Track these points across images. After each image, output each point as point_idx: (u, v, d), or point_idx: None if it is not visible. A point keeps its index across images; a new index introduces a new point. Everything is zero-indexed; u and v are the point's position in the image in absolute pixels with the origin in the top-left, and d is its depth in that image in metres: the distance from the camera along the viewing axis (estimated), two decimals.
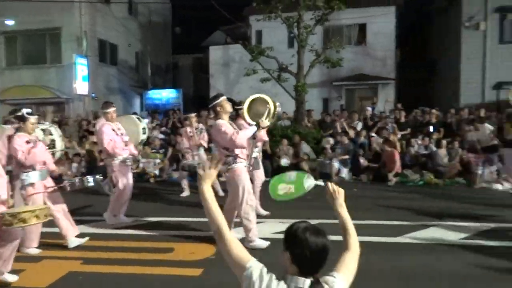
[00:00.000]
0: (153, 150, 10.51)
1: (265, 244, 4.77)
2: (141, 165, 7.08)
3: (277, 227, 5.41)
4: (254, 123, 4.95)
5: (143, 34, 23.40)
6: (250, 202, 4.84)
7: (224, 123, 4.79)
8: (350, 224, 2.01)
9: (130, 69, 22.50)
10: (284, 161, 9.98)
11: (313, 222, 1.74)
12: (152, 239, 5.35)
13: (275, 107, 5.07)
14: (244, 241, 4.88)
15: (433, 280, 3.98)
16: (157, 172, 10.17)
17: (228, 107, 4.94)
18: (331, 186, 2.10)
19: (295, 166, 10.13)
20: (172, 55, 27.26)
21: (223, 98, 4.94)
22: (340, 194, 2.08)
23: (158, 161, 10.18)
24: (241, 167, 4.83)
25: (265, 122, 4.89)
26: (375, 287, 3.85)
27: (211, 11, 16.49)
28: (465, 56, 18.12)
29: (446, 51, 20.01)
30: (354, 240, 1.95)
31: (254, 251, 4.63)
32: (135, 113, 13.52)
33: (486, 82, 17.93)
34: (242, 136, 4.70)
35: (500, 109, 15.18)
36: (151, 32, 24.01)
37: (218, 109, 4.86)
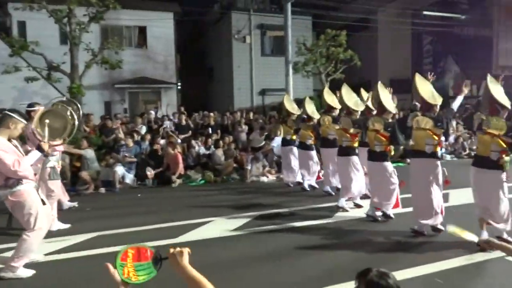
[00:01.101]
0: None
1: (29, 273, 4.09)
2: None
3: (49, 247, 4.73)
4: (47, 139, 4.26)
5: None
6: (41, 225, 4.10)
7: (3, 146, 3.93)
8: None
9: None
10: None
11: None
12: None
13: (74, 121, 4.53)
14: (4, 269, 4.07)
15: (209, 271, 4.22)
16: None
17: (17, 132, 4.13)
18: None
19: (75, 174, 9.23)
20: None
21: (22, 119, 4.12)
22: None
23: None
24: (27, 188, 4.07)
25: (45, 145, 4.15)
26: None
27: None
28: (236, 65, 20.44)
29: (221, 60, 22.07)
30: None
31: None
32: None
33: (254, 88, 20.68)
34: (25, 165, 3.98)
35: (265, 112, 17.85)
36: None
37: (10, 124, 4.02)
